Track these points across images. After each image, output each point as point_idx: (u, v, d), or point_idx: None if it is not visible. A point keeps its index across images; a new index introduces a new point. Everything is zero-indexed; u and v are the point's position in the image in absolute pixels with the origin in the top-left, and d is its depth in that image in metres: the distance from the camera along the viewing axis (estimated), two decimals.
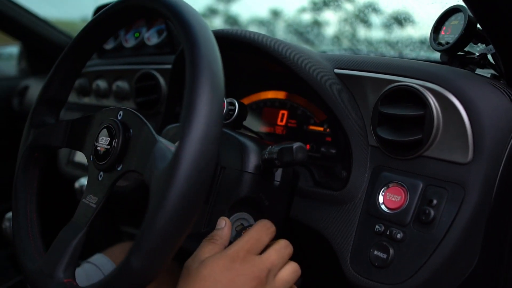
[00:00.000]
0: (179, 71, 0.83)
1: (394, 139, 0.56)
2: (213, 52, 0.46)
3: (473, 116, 0.50)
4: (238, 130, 0.72)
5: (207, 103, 0.42)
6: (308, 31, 1.87)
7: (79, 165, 1.08)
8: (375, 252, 0.54)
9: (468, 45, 0.65)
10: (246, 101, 0.88)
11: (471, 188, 0.49)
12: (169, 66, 0.91)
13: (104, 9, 0.59)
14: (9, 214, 0.95)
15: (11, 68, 1.87)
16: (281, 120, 0.82)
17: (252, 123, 0.86)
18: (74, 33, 1.73)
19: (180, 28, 0.47)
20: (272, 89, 0.84)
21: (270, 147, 0.59)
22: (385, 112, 0.57)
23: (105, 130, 0.57)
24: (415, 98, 0.54)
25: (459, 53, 0.65)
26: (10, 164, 1.71)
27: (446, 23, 0.66)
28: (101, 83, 1.05)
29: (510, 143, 0.54)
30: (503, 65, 0.62)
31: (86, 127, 0.62)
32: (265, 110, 0.85)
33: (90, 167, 0.59)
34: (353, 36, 1.81)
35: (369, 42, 1.55)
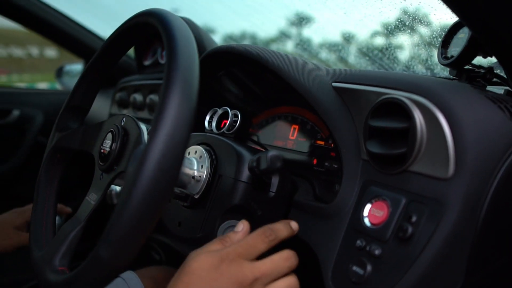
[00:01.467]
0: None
1: (381, 152, 0.54)
2: (190, 60, 0.49)
3: (456, 129, 0.48)
4: (241, 141, 0.74)
5: (175, 107, 0.45)
6: (380, 55, 1.86)
7: None
8: (353, 268, 0.53)
9: (477, 59, 0.62)
10: (264, 115, 0.90)
11: (451, 205, 0.47)
12: None
13: (116, 28, 0.66)
14: None
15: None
16: (292, 135, 0.82)
17: (267, 136, 0.87)
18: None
19: (164, 37, 0.51)
20: (288, 105, 0.85)
21: (252, 157, 0.60)
22: (373, 125, 0.55)
23: (109, 134, 0.63)
24: (401, 110, 0.53)
25: (468, 67, 0.62)
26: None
27: (454, 37, 0.64)
28: (138, 96, 1.13)
29: (506, 161, 0.50)
30: (509, 79, 0.58)
31: (96, 132, 0.68)
32: (279, 124, 0.86)
33: (96, 168, 0.64)
34: (427, 60, 1.77)
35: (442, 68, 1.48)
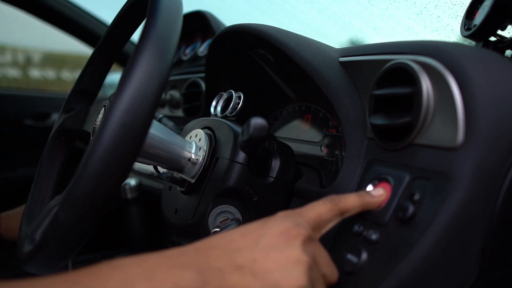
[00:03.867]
0: (211, 75, 0.85)
1: (385, 123, 0.48)
2: (170, 18, 0.46)
3: (467, 91, 0.40)
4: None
5: (145, 62, 0.42)
6: None
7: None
8: (348, 256, 0.45)
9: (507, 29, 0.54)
10: (279, 107, 0.85)
11: (458, 178, 0.39)
12: None
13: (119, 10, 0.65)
14: None
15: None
16: (305, 125, 0.77)
17: (281, 129, 0.82)
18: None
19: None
20: (302, 95, 0.80)
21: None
22: (377, 94, 0.49)
23: (103, 109, 0.61)
24: (408, 76, 0.46)
25: (494, 39, 0.54)
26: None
27: (480, 6, 0.56)
28: None
29: None
30: None
31: (97, 110, 0.66)
32: (293, 115, 0.81)
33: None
34: None
35: None
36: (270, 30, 0.63)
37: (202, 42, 1.09)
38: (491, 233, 0.40)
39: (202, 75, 0.99)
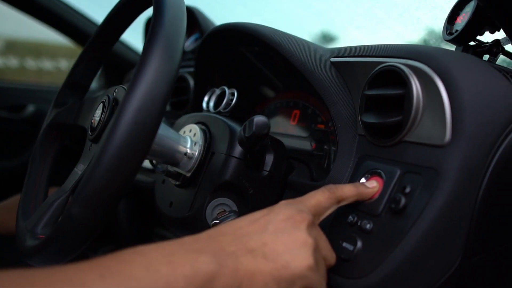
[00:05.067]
0: (202, 71, 0.86)
1: (376, 121, 0.51)
2: (176, 17, 0.48)
3: (454, 93, 0.44)
4: (236, 119, 0.72)
5: (156, 61, 0.44)
6: None
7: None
8: (344, 244, 0.49)
9: (484, 35, 0.58)
10: (267, 102, 0.88)
11: (446, 173, 0.43)
12: None
13: (115, 4, 0.65)
14: None
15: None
16: (293, 120, 0.80)
17: (271, 124, 0.85)
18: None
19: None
20: (290, 90, 0.83)
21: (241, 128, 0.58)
22: (368, 94, 0.53)
23: (101, 105, 0.61)
24: (398, 78, 0.50)
25: (473, 43, 0.59)
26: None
27: (461, 12, 0.61)
28: None
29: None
30: None
31: (91, 105, 0.67)
32: (281, 110, 0.84)
33: (86, 140, 0.63)
34: None
35: None
36: (266, 30, 0.66)
37: (188, 37, 1.10)
38: (474, 222, 0.45)
39: (189, 69, 1.01)
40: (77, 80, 0.75)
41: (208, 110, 0.75)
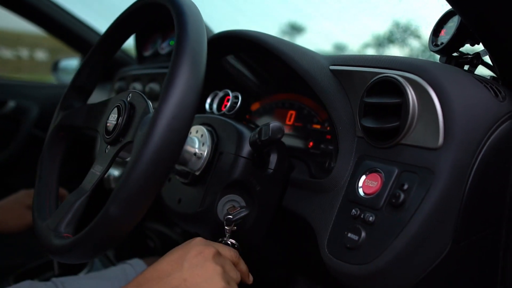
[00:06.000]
0: None
1: (375, 126, 0.58)
2: (199, 35, 0.52)
3: (445, 103, 0.51)
4: (241, 121, 0.77)
5: (185, 73, 0.48)
6: None
7: None
8: (349, 235, 0.56)
9: (465, 47, 0.66)
10: (262, 102, 0.93)
11: (439, 172, 0.50)
12: None
13: (124, 10, 0.68)
14: None
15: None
16: (289, 120, 0.86)
17: (264, 122, 0.90)
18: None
19: (174, 11, 0.54)
20: (285, 92, 0.88)
21: (254, 131, 0.63)
22: (368, 101, 0.59)
23: (115, 109, 0.65)
24: (395, 87, 0.56)
25: (456, 54, 0.66)
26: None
27: (445, 26, 0.68)
28: (137, 85, 1.15)
29: (492, 135, 0.54)
30: (497, 66, 0.62)
31: (102, 108, 0.70)
32: (276, 110, 0.89)
33: (100, 141, 0.66)
34: None
35: None
36: (270, 39, 0.71)
37: (163, 41, 1.14)
38: (461, 213, 0.52)
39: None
40: (82, 84, 0.78)
41: (211, 112, 0.79)
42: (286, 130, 0.85)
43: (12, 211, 0.97)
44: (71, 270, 1.06)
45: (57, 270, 1.05)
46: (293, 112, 0.85)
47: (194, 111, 0.48)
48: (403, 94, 0.55)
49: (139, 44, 1.27)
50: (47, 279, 1.03)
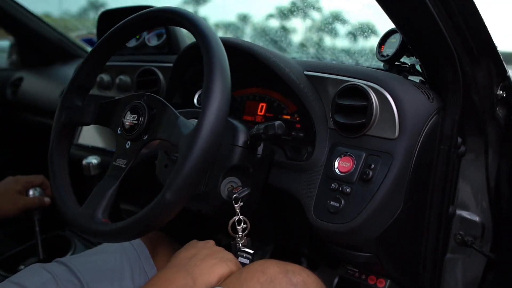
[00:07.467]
0: (180, 69, 1.02)
1: (346, 122, 0.78)
2: (223, 55, 0.66)
3: (399, 106, 0.73)
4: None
5: (220, 90, 0.62)
6: (277, 37, 1.93)
7: (83, 147, 1.24)
8: (331, 203, 0.76)
9: (403, 58, 0.88)
10: (234, 95, 1.08)
11: (397, 156, 0.72)
12: (168, 64, 1.10)
13: (133, 15, 0.77)
14: None
15: (1, 60, 1.98)
16: (261, 111, 1.02)
17: (237, 112, 1.06)
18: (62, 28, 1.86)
19: (199, 38, 0.66)
20: (254, 86, 1.04)
21: (256, 126, 0.79)
22: (340, 103, 0.78)
23: (133, 109, 0.75)
24: (361, 93, 0.76)
25: (397, 63, 0.88)
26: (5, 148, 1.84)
27: (388, 40, 0.89)
28: (105, 77, 1.22)
29: (426, 128, 0.77)
30: (426, 73, 0.85)
31: (113, 108, 0.79)
32: (248, 102, 1.05)
33: (118, 138, 0.75)
34: (319, 45, 1.87)
35: (332, 52, 1.67)
36: (257, 48, 0.86)
37: (149, 32, 1.22)
38: (409, 183, 0.75)
39: (154, 64, 1.14)
40: (81, 83, 0.85)
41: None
42: (258, 120, 1.02)
43: (5, 197, 1.02)
44: (55, 253, 1.13)
45: (42, 255, 1.12)
46: (263, 104, 1.02)
47: (227, 117, 0.63)
48: (368, 98, 0.75)
49: (102, 34, 1.32)
50: (32, 263, 1.11)
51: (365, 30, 1.46)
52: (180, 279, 0.67)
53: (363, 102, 0.76)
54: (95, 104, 0.83)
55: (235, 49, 0.89)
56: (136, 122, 0.73)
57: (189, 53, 0.98)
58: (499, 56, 0.82)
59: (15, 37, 1.88)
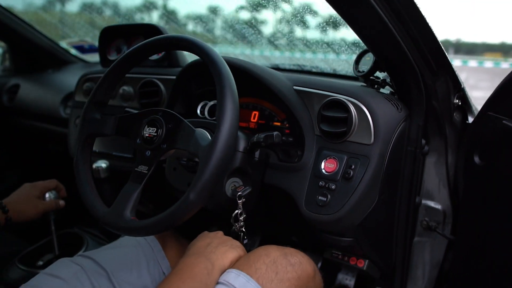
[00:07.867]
0: (182, 82, 1.15)
1: (330, 130, 0.93)
2: (232, 81, 0.79)
3: (374, 117, 0.89)
4: None
5: (232, 106, 0.76)
6: (245, 30, 2.01)
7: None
8: (319, 198, 0.91)
9: (377, 73, 1.04)
10: None
11: (372, 158, 0.88)
12: (168, 77, 1.23)
13: (150, 40, 0.88)
14: None
15: None
16: (254, 118, 1.16)
17: None
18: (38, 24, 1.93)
19: (210, 63, 0.80)
20: (248, 96, 1.18)
21: (257, 135, 0.93)
22: (325, 114, 0.94)
23: (150, 123, 0.87)
24: (343, 106, 0.91)
25: (371, 77, 1.04)
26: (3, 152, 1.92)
27: (363, 58, 1.05)
28: None
29: (396, 134, 0.93)
30: (395, 86, 1.01)
31: (131, 121, 0.91)
32: (242, 110, 1.19)
33: (138, 147, 0.88)
34: (290, 36, 1.94)
35: (305, 44, 1.73)
36: (251, 66, 1.00)
37: None
38: (382, 179, 0.91)
39: (155, 76, 1.27)
40: (100, 99, 0.97)
41: (204, 117, 1.07)
42: (252, 126, 1.17)
43: (27, 203, 1.13)
44: (69, 249, 1.25)
45: (57, 251, 1.23)
46: (256, 112, 1.16)
47: (237, 131, 0.77)
48: (348, 111, 0.90)
49: (102, 48, 1.42)
50: (50, 260, 1.22)
51: (336, 21, 1.54)
52: (201, 264, 0.81)
53: (344, 114, 0.91)
54: (114, 118, 0.94)
55: (234, 68, 1.03)
56: (155, 134, 0.85)
57: (191, 69, 1.11)
58: (454, 71, 0.99)
59: (6, 43, 1.94)
